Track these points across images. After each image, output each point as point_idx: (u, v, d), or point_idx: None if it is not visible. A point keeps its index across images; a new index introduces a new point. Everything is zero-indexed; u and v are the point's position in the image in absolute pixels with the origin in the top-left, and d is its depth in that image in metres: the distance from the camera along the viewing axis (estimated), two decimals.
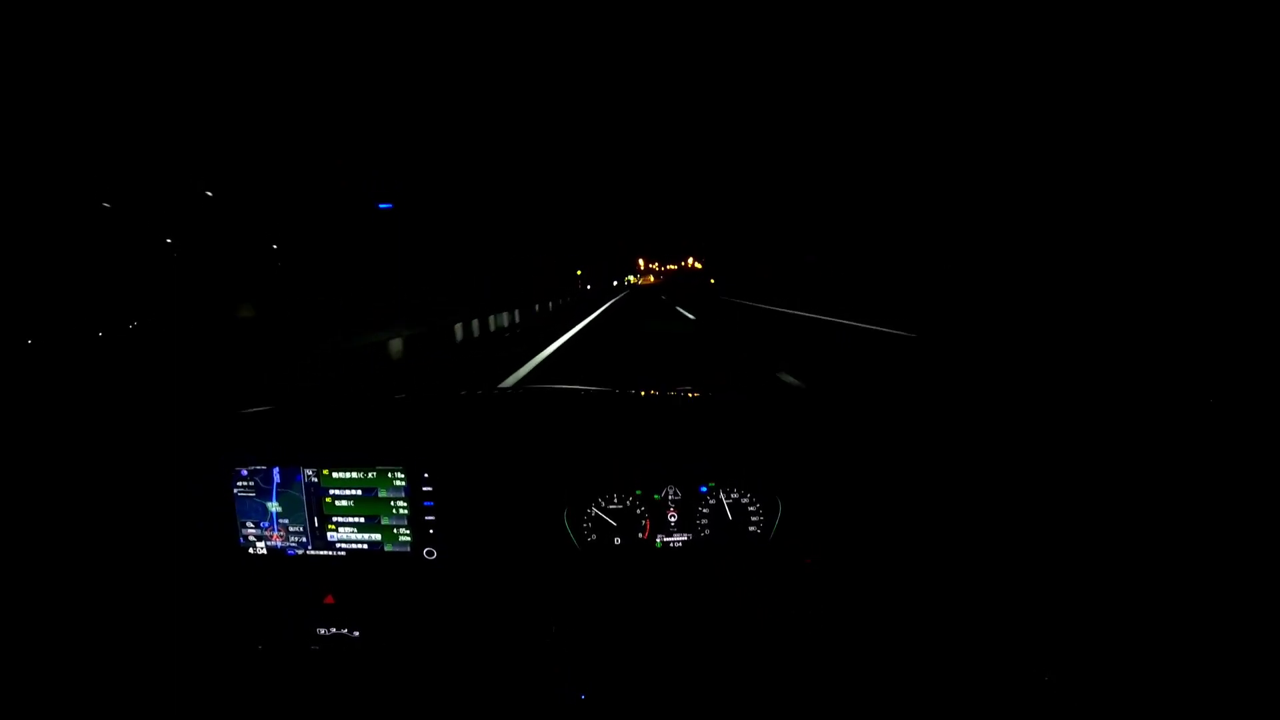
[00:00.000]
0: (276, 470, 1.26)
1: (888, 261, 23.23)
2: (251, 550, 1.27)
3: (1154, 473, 1.12)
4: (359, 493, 1.24)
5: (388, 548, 1.24)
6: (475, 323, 12.89)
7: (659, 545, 1.22)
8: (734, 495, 1.21)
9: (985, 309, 12.32)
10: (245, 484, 1.27)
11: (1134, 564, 1.08)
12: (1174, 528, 1.08)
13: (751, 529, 1.20)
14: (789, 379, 6.09)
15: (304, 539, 1.26)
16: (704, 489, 1.22)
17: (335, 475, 1.25)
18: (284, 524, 1.26)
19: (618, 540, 1.21)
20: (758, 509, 1.21)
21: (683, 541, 1.22)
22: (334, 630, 1.19)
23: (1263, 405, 1.21)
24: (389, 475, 1.23)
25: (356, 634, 1.18)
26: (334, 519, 1.25)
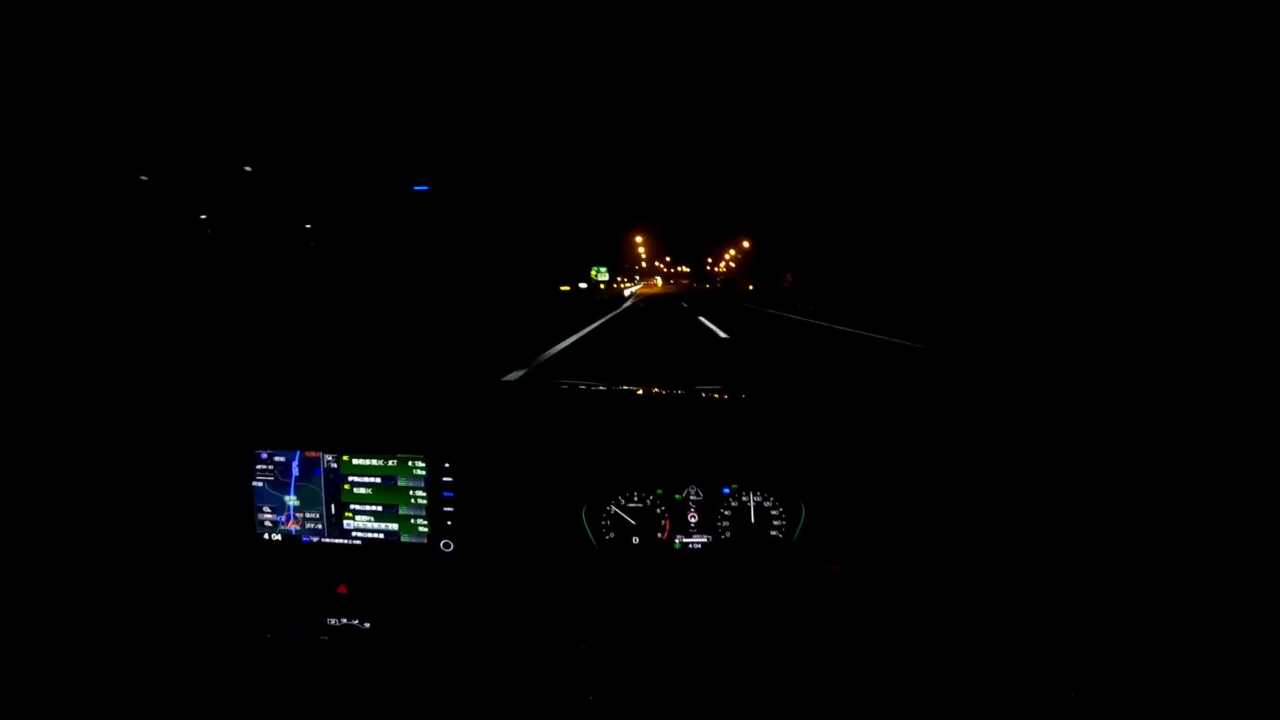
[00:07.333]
0: (297, 456, 1.25)
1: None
2: (266, 536, 1.27)
3: (1167, 479, 1.09)
4: (378, 480, 1.23)
5: (404, 538, 1.23)
6: None
7: (678, 546, 1.20)
8: (757, 498, 1.19)
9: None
10: (265, 468, 1.26)
11: (1160, 577, 1.05)
12: (1190, 538, 1.04)
13: (773, 533, 1.18)
14: None
15: (320, 526, 1.25)
16: (726, 490, 1.20)
17: (355, 462, 1.24)
18: (300, 511, 1.26)
19: (636, 540, 1.19)
20: (780, 513, 1.19)
21: (703, 543, 1.20)
22: (344, 621, 1.17)
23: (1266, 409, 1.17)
24: (409, 464, 1.22)
25: (367, 625, 1.17)
26: (352, 506, 1.24)
